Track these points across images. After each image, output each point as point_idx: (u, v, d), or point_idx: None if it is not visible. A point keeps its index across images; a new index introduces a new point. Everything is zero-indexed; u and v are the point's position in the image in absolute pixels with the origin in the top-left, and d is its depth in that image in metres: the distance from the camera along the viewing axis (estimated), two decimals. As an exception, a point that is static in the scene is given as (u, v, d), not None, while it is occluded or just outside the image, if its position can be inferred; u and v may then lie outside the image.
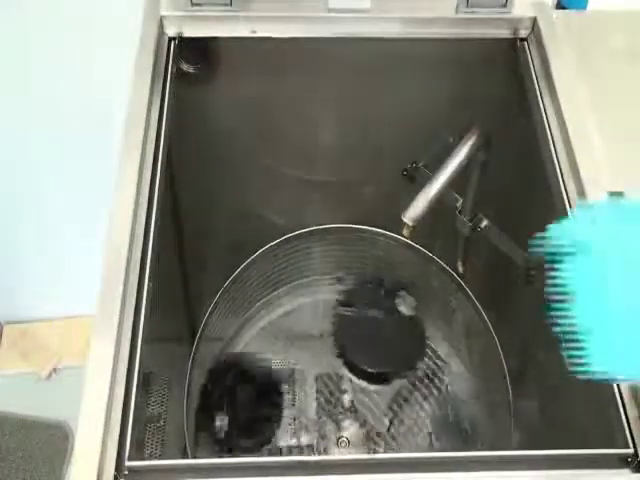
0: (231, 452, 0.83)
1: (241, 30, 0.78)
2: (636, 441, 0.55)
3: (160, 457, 0.81)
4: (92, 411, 0.53)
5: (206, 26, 0.78)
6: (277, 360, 0.97)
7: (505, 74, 0.82)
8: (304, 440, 0.88)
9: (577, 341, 0.49)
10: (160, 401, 0.87)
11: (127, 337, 0.58)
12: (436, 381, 0.94)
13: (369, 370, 0.85)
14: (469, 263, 0.95)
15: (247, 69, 0.84)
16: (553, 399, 0.79)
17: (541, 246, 0.53)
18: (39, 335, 1.47)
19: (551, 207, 0.70)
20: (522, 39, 0.80)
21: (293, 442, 0.89)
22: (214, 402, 0.85)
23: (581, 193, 0.68)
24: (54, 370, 1.43)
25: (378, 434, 0.89)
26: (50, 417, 1.35)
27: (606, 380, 0.48)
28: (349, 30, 0.79)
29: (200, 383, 0.87)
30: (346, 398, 0.91)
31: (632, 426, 0.56)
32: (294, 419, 0.92)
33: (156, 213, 0.65)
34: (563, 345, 0.50)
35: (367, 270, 1.05)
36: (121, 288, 0.59)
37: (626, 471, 0.54)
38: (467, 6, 0.77)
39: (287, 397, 0.95)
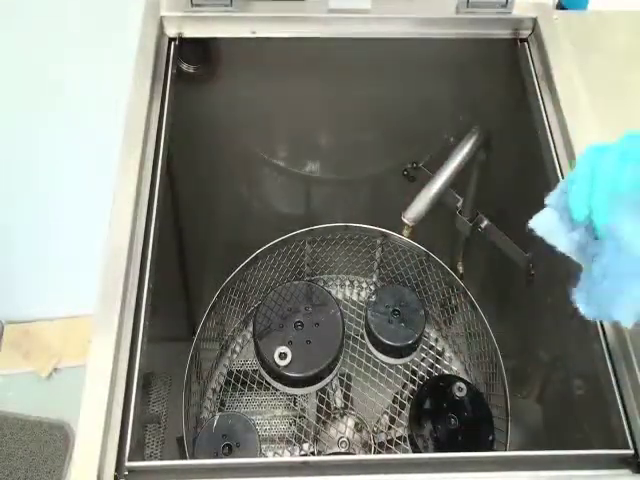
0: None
1: (241, 31, 0.78)
2: (636, 441, 0.55)
3: (160, 457, 0.81)
4: (92, 411, 0.53)
5: (206, 27, 0.78)
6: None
7: (505, 74, 0.82)
8: (304, 440, 0.88)
9: None
10: (160, 401, 0.87)
11: (127, 337, 0.58)
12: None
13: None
14: (469, 263, 0.95)
15: (247, 69, 0.84)
16: (552, 399, 0.79)
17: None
18: (39, 335, 1.47)
19: (551, 207, 0.70)
20: (522, 39, 0.80)
21: (293, 442, 0.89)
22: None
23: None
24: (54, 370, 1.43)
25: (379, 434, 0.89)
26: (50, 417, 1.35)
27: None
28: (349, 30, 0.79)
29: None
30: (347, 398, 0.91)
31: (632, 426, 0.56)
32: (294, 419, 0.92)
33: (156, 213, 0.65)
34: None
35: (367, 270, 1.05)
36: (121, 288, 0.59)
37: (626, 472, 0.54)
38: (467, 6, 0.77)
39: (288, 397, 0.96)
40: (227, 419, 0.82)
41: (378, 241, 0.97)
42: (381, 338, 0.87)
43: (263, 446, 0.83)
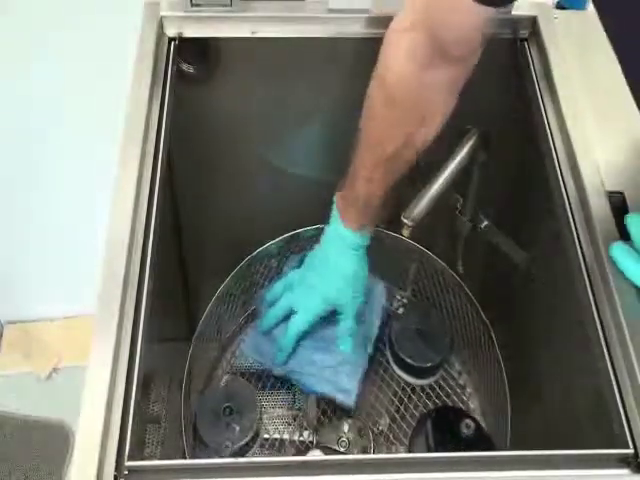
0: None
1: (241, 31, 0.78)
2: (636, 441, 0.55)
3: (160, 457, 0.81)
4: (92, 411, 0.53)
5: (206, 26, 0.78)
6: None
7: (505, 74, 0.82)
8: (304, 440, 0.89)
9: None
10: (160, 401, 0.87)
11: (127, 337, 0.58)
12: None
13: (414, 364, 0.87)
14: (469, 263, 0.95)
15: (247, 69, 0.84)
16: (552, 398, 0.79)
17: None
18: (39, 335, 1.47)
19: (551, 207, 0.70)
20: (522, 39, 0.80)
21: (293, 442, 0.89)
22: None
23: (581, 193, 0.68)
24: (54, 370, 1.43)
25: (379, 434, 0.89)
26: (50, 417, 1.35)
27: None
28: (349, 30, 0.79)
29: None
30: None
31: (632, 426, 0.56)
32: (294, 419, 0.92)
33: (156, 213, 0.65)
34: None
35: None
36: (121, 288, 0.59)
37: (626, 471, 0.54)
38: (467, 6, 0.77)
39: (287, 397, 0.95)
40: (234, 383, 0.87)
41: (414, 257, 0.95)
42: (399, 353, 0.86)
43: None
